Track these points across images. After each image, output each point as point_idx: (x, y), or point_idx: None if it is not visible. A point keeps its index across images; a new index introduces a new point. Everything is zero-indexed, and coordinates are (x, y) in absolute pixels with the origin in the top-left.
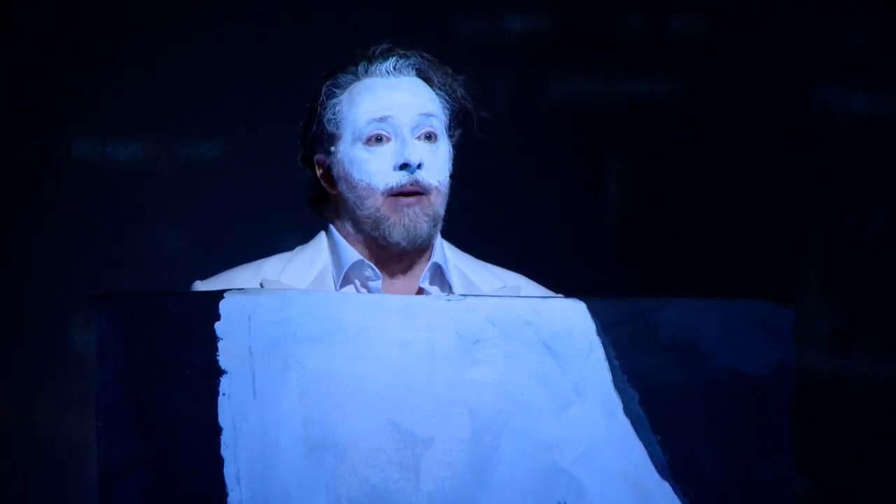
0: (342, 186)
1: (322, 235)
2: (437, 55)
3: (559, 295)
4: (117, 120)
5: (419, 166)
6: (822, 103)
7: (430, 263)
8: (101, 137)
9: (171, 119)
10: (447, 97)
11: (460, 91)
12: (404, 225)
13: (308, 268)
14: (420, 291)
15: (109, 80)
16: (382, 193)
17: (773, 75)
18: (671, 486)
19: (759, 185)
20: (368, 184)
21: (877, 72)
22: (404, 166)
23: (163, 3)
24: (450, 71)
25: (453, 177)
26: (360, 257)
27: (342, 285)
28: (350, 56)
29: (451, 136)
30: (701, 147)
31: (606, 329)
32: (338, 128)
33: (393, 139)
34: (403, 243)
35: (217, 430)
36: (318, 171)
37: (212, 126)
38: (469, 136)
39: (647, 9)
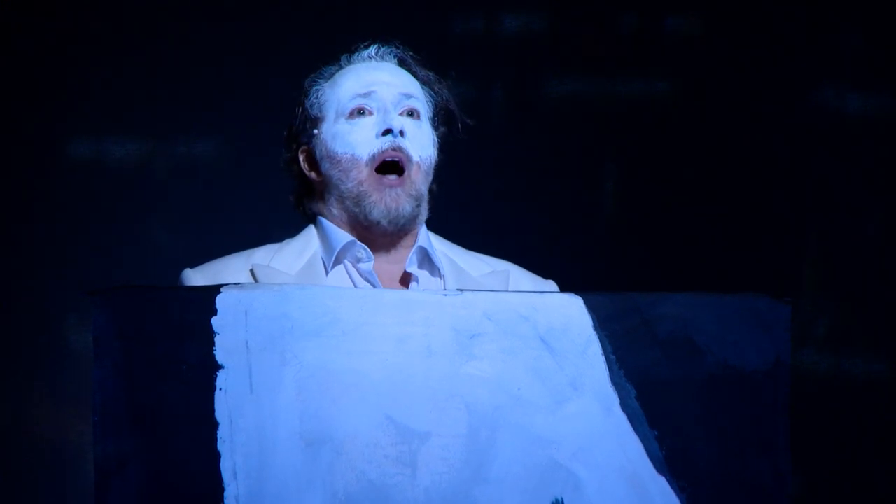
0: (325, 166)
1: (310, 227)
2: (433, 55)
3: (549, 280)
4: (113, 119)
5: (402, 133)
6: (818, 103)
7: (415, 247)
8: (97, 137)
9: (167, 118)
10: (430, 91)
11: (445, 93)
12: (385, 204)
13: (298, 255)
14: (407, 275)
15: (106, 80)
16: (367, 164)
17: (769, 75)
18: (668, 481)
19: (755, 184)
20: (352, 154)
21: (872, 72)
22: (387, 132)
23: (159, 3)
24: (432, 74)
25: (443, 173)
26: (352, 238)
27: (333, 266)
28: (335, 54)
29: (434, 128)
30: (697, 146)
31: (603, 324)
32: (321, 110)
33: (376, 113)
34: (384, 222)
35: (213, 426)
36: (301, 158)
37: (207, 125)
38: (454, 139)
39: (643, 8)
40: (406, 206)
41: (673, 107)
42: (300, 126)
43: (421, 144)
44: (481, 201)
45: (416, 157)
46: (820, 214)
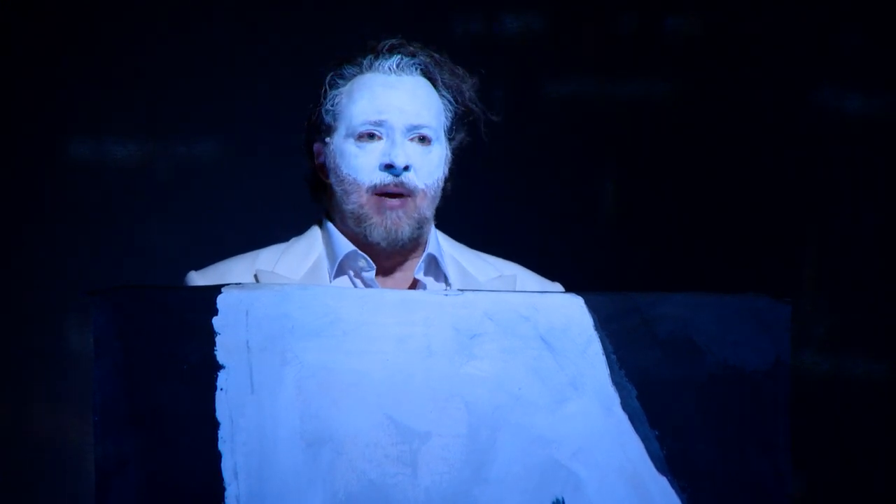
0: (332, 178)
1: (316, 228)
2: None
3: (555, 283)
4: (114, 119)
5: (406, 168)
6: (818, 103)
7: (425, 254)
8: (98, 137)
9: (168, 119)
10: (451, 99)
11: (468, 93)
12: (385, 227)
13: (303, 259)
14: (415, 282)
15: (106, 80)
16: (367, 191)
17: (768, 75)
18: (668, 481)
19: (755, 185)
20: (354, 179)
21: (873, 73)
22: (389, 167)
23: (159, 3)
24: (460, 72)
25: (451, 178)
26: (353, 248)
27: (336, 276)
28: (361, 46)
29: (450, 139)
30: (696, 147)
31: (604, 324)
32: (335, 119)
33: (384, 138)
34: (383, 244)
35: (214, 425)
36: (316, 160)
37: (208, 125)
38: (475, 138)
39: (642, 9)
40: (406, 230)
41: (673, 107)
42: (316, 124)
43: (428, 172)
44: (481, 201)
45: (421, 186)
46: (820, 215)
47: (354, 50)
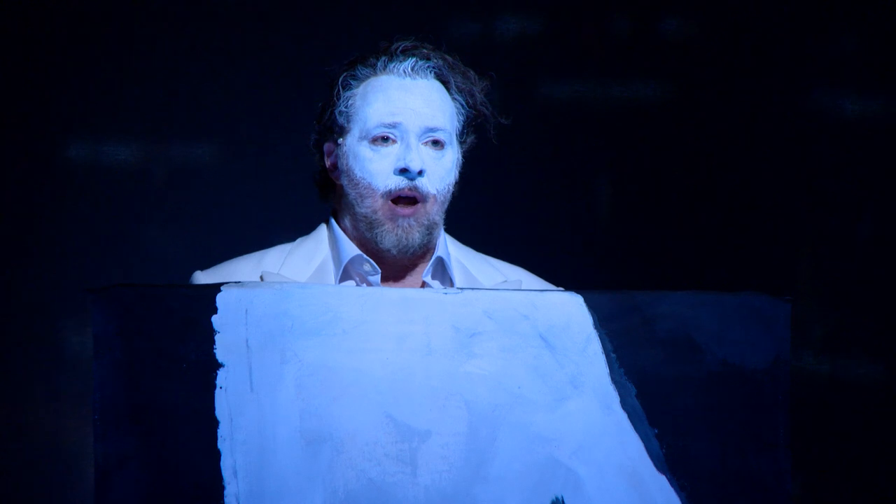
0: (344, 180)
1: (323, 228)
2: None
3: (559, 289)
4: (111, 122)
5: (420, 173)
6: (815, 105)
7: (434, 258)
8: (96, 139)
9: (165, 121)
10: (463, 103)
11: (479, 97)
12: (397, 234)
13: (308, 261)
14: (423, 285)
15: (104, 83)
16: (382, 196)
17: (765, 77)
18: (668, 479)
19: (753, 185)
20: (369, 183)
21: (869, 75)
22: (404, 171)
23: (158, 5)
24: (472, 75)
25: (458, 180)
26: (359, 252)
27: (342, 280)
28: (374, 48)
29: (462, 143)
30: (693, 149)
31: (603, 322)
32: (348, 121)
33: (399, 142)
34: (394, 251)
35: (214, 424)
36: (326, 161)
37: (206, 128)
38: (485, 141)
39: (639, 11)
40: (416, 237)
41: (670, 108)
42: (328, 124)
43: (440, 177)
44: (480, 201)
45: (433, 191)
46: (818, 215)
47: (367, 51)
